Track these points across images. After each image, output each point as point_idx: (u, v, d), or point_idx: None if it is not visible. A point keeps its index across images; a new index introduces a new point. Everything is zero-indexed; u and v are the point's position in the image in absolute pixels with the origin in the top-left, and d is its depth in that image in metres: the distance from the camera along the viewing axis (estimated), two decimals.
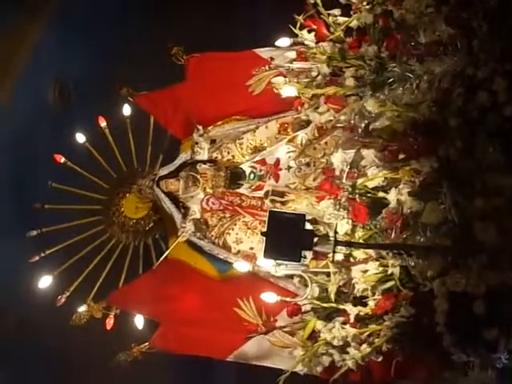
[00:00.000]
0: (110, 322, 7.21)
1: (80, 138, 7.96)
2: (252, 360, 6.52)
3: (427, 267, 5.20)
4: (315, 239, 5.36)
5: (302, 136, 6.76)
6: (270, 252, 5.05)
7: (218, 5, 8.29)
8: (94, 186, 7.93)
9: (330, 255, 5.72)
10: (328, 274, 6.00)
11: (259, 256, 6.55)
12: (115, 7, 8.66)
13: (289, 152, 6.81)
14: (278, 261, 5.37)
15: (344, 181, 5.89)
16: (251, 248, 6.77)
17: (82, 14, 8.73)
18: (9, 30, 8.52)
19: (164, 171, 7.21)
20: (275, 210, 5.20)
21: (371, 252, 5.69)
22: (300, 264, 5.72)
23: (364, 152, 5.84)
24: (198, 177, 7.03)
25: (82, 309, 7.19)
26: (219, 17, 8.28)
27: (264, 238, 5.10)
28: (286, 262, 5.41)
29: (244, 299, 6.55)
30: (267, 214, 5.21)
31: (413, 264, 5.33)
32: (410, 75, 5.74)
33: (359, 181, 5.82)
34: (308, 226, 5.32)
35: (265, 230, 5.14)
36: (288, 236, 5.03)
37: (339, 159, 5.95)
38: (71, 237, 7.74)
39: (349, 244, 5.45)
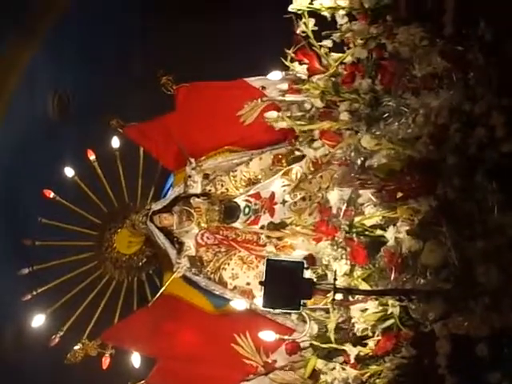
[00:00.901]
0: (106, 362, 7.11)
1: (69, 172, 7.84)
2: None
3: (428, 311, 5.12)
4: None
5: (297, 169, 6.67)
6: (268, 302, 4.96)
7: (210, 37, 8.20)
8: (85, 222, 7.81)
9: (329, 294, 5.66)
10: (327, 311, 5.92)
11: (256, 292, 6.48)
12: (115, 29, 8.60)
13: (284, 186, 6.71)
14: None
15: (341, 219, 5.80)
16: (247, 283, 6.69)
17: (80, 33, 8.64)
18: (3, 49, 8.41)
19: (157, 206, 7.10)
20: (273, 258, 5.07)
21: None
22: None
23: (361, 190, 5.76)
24: (192, 211, 6.92)
25: (77, 347, 7.08)
26: (211, 49, 8.19)
27: (262, 288, 5.01)
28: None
29: (241, 335, 6.46)
30: (264, 260, 5.14)
31: (413, 307, 5.24)
32: (406, 109, 5.66)
33: (356, 219, 5.74)
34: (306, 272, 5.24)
35: (263, 278, 5.04)
36: (287, 285, 4.93)
37: (335, 197, 5.86)
38: (63, 274, 7.62)
39: (348, 291, 5.35)
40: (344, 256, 5.71)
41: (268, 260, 5.00)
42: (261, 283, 5.00)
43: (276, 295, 4.94)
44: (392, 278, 5.40)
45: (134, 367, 7.04)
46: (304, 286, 4.93)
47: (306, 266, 5.03)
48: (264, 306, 5.03)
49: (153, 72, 7.34)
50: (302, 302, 4.93)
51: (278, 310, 6.03)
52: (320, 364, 5.85)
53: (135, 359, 7.04)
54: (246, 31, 7.98)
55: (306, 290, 4.93)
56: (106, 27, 8.57)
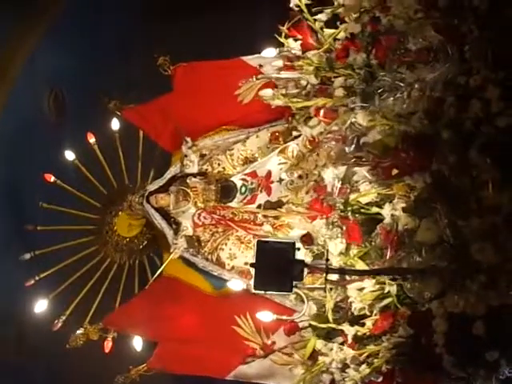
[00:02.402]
0: (108, 345, 7.07)
1: (69, 155, 7.77)
2: (253, 378, 6.39)
3: (424, 289, 5.04)
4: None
5: (293, 147, 6.59)
6: (259, 284, 4.88)
7: (205, 14, 8.11)
8: (85, 205, 7.76)
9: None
10: (325, 290, 5.85)
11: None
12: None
13: (280, 164, 6.63)
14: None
15: (336, 197, 5.71)
16: (245, 263, 6.60)
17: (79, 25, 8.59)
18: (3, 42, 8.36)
19: (154, 186, 7.04)
20: (263, 239, 4.96)
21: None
22: None
23: (356, 168, 5.67)
24: (189, 191, 6.85)
25: (79, 331, 7.04)
26: (206, 26, 8.10)
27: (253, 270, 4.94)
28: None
29: (241, 316, 6.41)
30: (255, 242, 5.05)
31: (409, 286, 5.17)
32: (401, 84, 5.55)
33: (352, 196, 5.65)
34: (300, 246, 5.16)
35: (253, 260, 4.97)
36: (278, 267, 4.85)
37: (330, 175, 5.76)
38: (65, 258, 7.57)
39: (342, 271, 5.27)
40: (339, 235, 5.62)
41: (258, 241, 4.90)
42: (251, 265, 4.92)
43: (267, 277, 4.86)
44: (388, 256, 5.33)
45: (135, 350, 6.98)
46: (295, 268, 4.85)
47: (298, 246, 4.93)
48: (255, 289, 4.97)
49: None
50: (293, 283, 4.86)
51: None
52: (319, 344, 5.80)
53: (137, 343, 6.99)
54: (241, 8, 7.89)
55: (297, 272, 4.85)
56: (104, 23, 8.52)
